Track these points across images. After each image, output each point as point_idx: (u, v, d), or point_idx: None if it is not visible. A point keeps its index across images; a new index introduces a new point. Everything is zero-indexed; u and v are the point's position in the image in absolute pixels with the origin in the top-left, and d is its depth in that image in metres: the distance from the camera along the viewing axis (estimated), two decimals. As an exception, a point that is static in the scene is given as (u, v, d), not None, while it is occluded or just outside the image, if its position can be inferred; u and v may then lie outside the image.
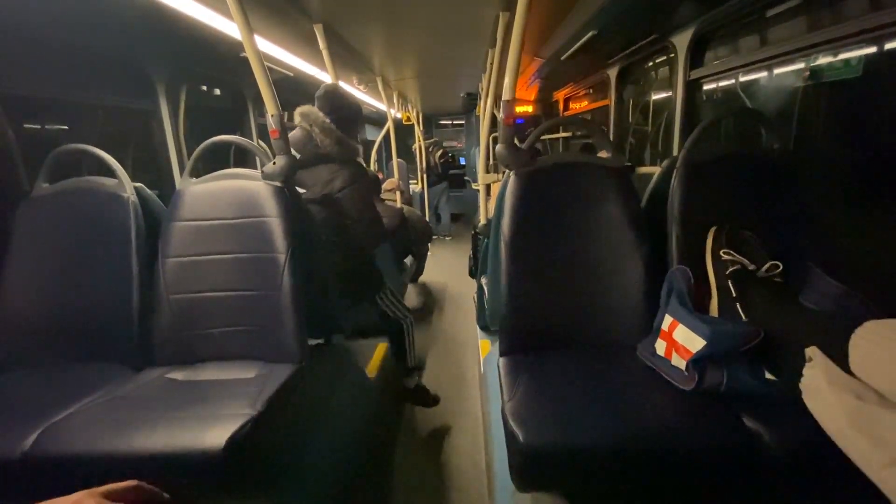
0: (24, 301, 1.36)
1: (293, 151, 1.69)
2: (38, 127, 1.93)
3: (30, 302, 1.36)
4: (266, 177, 1.38)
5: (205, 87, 2.91)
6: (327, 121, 1.74)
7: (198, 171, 1.49)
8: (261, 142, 3.26)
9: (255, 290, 1.31)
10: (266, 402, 1.04)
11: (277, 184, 1.37)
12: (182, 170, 2.14)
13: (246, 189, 1.38)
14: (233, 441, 0.92)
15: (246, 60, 1.36)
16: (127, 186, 1.41)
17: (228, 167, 1.49)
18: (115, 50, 1.94)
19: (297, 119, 1.77)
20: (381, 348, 2.11)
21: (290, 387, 1.16)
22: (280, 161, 1.37)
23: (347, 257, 1.80)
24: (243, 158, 3.14)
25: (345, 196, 1.73)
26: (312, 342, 1.56)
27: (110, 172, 1.44)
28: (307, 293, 1.33)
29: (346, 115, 1.85)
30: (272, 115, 1.37)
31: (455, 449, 1.94)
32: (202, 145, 1.48)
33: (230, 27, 1.89)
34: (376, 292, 1.97)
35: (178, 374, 1.24)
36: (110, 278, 1.36)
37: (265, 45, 2.36)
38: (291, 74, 3.03)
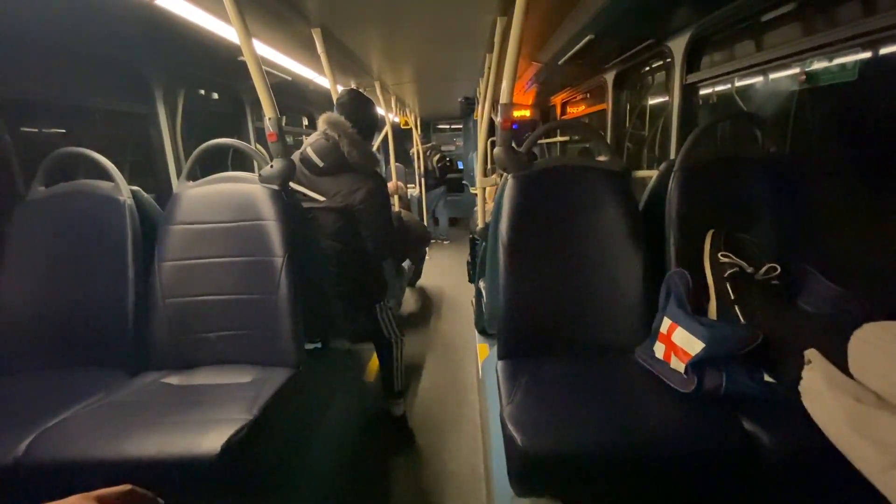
0: (19, 305, 1.35)
1: (317, 159, 1.68)
2: (35, 130, 1.93)
3: (25, 306, 1.35)
4: (263, 180, 1.38)
5: (202, 91, 2.91)
6: (354, 131, 1.73)
7: (195, 175, 1.49)
8: (258, 146, 3.26)
9: (251, 293, 1.31)
10: (262, 406, 1.03)
11: (275, 187, 1.37)
12: (179, 173, 2.13)
13: (243, 192, 1.37)
14: (228, 446, 0.91)
15: (244, 64, 1.36)
16: (123, 190, 1.40)
17: (226, 171, 1.49)
18: (112, 54, 1.94)
19: (321, 126, 1.75)
20: None
21: (287, 391, 1.15)
22: (277, 164, 1.37)
23: (356, 263, 1.80)
24: (241, 162, 3.14)
25: (366, 208, 1.73)
26: (310, 346, 1.56)
27: (107, 176, 1.43)
28: (305, 297, 1.32)
29: (368, 123, 1.85)
30: (270, 119, 1.37)
31: (453, 454, 1.93)
32: (199, 148, 1.47)
33: (228, 31, 1.89)
34: (378, 301, 1.96)
35: (173, 379, 1.23)
36: (106, 282, 1.35)
37: (263, 49, 2.36)
38: (290, 78, 3.04)
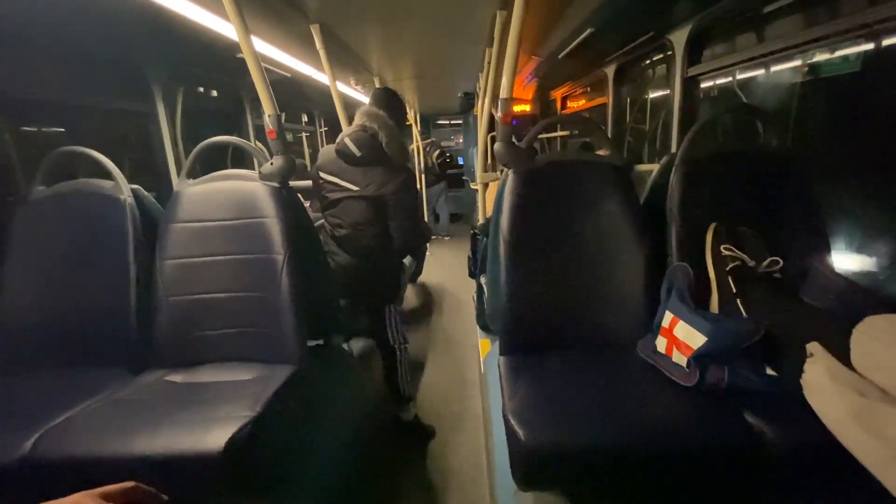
0: (22, 305, 1.35)
1: (355, 149, 1.72)
2: (35, 130, 1.93)
3: (28, 306, 1.35)
4: (263, 177, 1.38)
5: (202, 89, 2.90)
6: (393, 124, 1.79)
7: (195, 173, 1.48)
8: (258, 143, 3.26)
9: (253, 291, 1.31)
10: (265, 403, 1.04)
11: (275, 184, 1.37)
12: (179, 171, 2.14)
13: (243, 190, 1.37)
14: (232, 443, 0.92)
15: (243, 62, 1.35)
16: (124, 188, 1.40)
17: (226, 168, 1.49)
18: (111, 52, 1.93)
19: (358, 120, 1.79)
20: None
21: (290, 388, 1.16)
22: (277, 161, 1.37)
23: (379, 256, 1.82)
24: (241, 160, 3.14)
25: (397, 199, 1.76)
26: (312, 343, 1.56)
27: (107, 174, 1.43)
28: (306, 293, 1.33)
29: (400, 119, 1.91)
30: (269, 116, 1.36)
31: (456, 449, 1.94)
32: (199, 146, 1.47)
33: (227, 28, 1.88)
34: (390, 301, 1.97)
35: (176, 377, 1.24)
36: (108, 281, 1.36)
37: (262, 45, 2.35)
38: (289, 75, 3.03)
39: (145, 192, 1.49)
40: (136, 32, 1.87)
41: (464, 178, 7.35)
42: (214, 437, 0.92)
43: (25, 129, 1.83)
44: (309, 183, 2.78)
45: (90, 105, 1.98)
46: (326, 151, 1.84)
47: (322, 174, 1.81)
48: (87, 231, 1.39)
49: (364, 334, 2.03)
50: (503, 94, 1.39)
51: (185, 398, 1.12)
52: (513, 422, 0.93)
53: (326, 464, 1.35)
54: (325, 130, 5.46)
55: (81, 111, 2.01)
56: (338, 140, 1.80)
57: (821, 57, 1.47)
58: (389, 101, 1.90)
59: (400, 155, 1.79)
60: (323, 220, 1.90)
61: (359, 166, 1.76)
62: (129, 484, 0.52)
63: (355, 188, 1.76)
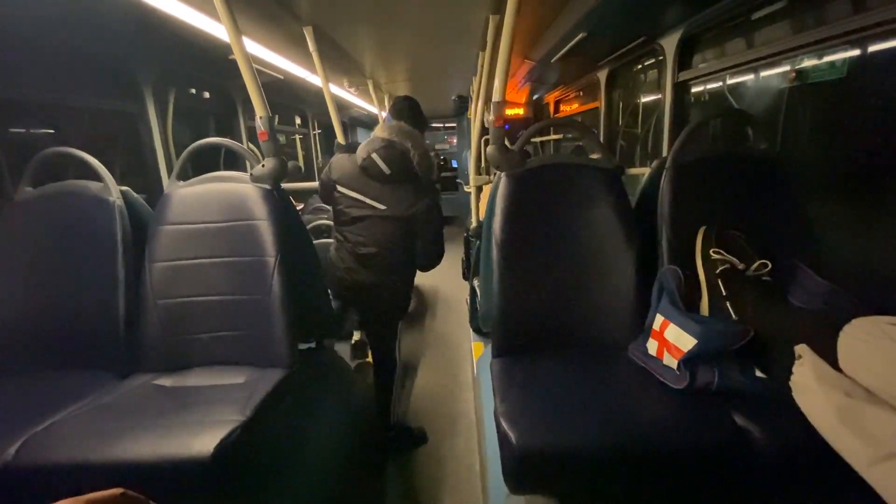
0: (8, 307, 1.33)
1: (384, 166, 1.66)
2: (24, 131, 1.90)
3: (13, 308, 1.33)
4: (255, 179, 1.37)
5: (193, 90, 2.89)
6: (423, 142, 1.76)
7: (186, 175, 1.47)
8: (251, 145, 3.25)
9: (243, 294, 1.30)
10: (255, 407, 1.02)
11: (266, 186, 1.36)
12: (170, 173, 2.12)
13: (234, 192, 1.36)
14: (221, 448, 0.90)
15: (235, 63, 1.35)
16: (112, 190, 1.39)
17: (218, 171, 1.48)
18: (102, 52, 1.92)
19: (382, 133, 1.73)
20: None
21: (280, 392, 1.15)
22: (269, 163, 1.36)
23: (398, 273, 1.81)
24: (233, 162, 3.12)
25: (427, 219, 1.73)
26: (303, 346, 1.55)
27: (96, 176, 1.42)
28: (298, 297, 1.32)
29: (423, 129, 1.87)
30: (261, 118, 1.36)
31: (449, 452, 1.93)
32: (189, 148, 1.46)
33: (219, 29, 1.88)
34: (402, 316, 1.95)
35: (165, 381, 1.22)
36: (96, 283, 1.34)
37: (254, 47, 2.35)
38: (282, 77, 3.02)
39: (134, 194, 1.48)
40: (127, 33, 1.85)
41: (458, 180, 7.37)
42: (203, 441, 0.91)
43: (14, 130, 1.81)
44: (303, 185, 2.77)
45: (80, 106, 1.96)
46: (344, 164, 1.75)
47: (341, 188, 1.72)
48: (75, 233, 1.37)
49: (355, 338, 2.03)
50: (495, 97, 1.40)
51: (174, 402, 1.11)
52: (504, 424, 0.93)
53: (317, 468, 1.34)
54: (319, 133, 5.45)
55: (71, 112, 1.99)
56: (360, 154, 1.71)
57: (808, 63, 1.49)
58: (413, 111, 1.84)
59: (430, 173, 1.75)
60: (337, 234, 1.82)
61: (386, 184, 1.70)
62: (117, 491, 0.51)
63: (382, 207, 1.68)
